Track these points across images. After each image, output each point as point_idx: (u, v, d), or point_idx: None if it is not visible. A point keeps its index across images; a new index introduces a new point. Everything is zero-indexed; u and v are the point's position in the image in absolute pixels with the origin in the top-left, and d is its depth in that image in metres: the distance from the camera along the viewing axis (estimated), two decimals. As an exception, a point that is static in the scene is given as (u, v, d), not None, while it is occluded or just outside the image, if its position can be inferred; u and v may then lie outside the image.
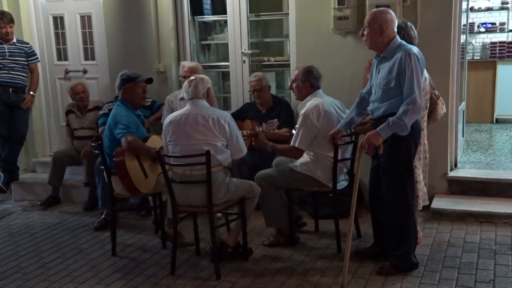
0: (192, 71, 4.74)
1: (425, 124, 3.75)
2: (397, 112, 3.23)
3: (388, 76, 3.29)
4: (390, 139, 3.28)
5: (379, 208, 3.60)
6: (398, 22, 3.65)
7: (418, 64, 3.23)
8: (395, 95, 3.28)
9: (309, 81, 3.90)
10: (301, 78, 3.91)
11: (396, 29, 3.38)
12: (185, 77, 4.57)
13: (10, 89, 5.59)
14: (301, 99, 3.98)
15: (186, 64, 4.95)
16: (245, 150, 3.76)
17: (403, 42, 3.37)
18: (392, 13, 3.38)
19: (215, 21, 5.91)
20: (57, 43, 5.97)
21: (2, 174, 5.72)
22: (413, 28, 3.75)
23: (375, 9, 3.47)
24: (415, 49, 3.31)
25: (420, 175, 3.79)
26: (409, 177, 3.45)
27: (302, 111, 3.84)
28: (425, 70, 3.67)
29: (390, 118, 3.23)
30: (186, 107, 3.74)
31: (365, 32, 3.37)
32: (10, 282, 3.73)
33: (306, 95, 3.94)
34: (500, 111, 7.64)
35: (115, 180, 4.06)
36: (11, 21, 5.55)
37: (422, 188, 3.82)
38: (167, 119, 3.75)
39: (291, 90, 4.15)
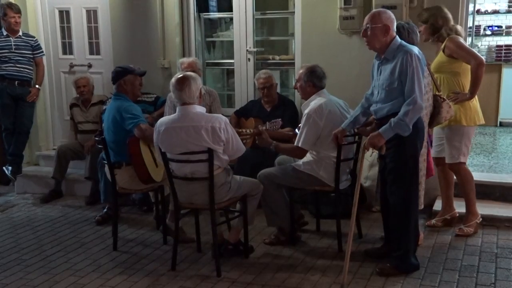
0: (191, 66, 4.71)
1: (425, 126, 3.74)
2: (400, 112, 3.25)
3: (390, 77, 3.31)
4: (395, 138, 3.30)
5: (388, 209, 3.59)
6: (401, 22, 3.67)
7: (419, 64, 3.26)
8: (398, 95, 3.31)
9: (312, 81, 3.90)
10: (304, 78, 3.91)
11: (395, 29, 3.39)
12: None
13: (16, 82, 5.60)
14: (305, 99, 3.98)
15: (185, 60, 4.90)
16: (243, 148, 3.69)
17: (403, 42, 3.38)
18: (392, 13, 3.40)
19: (220, 18, 5.92)
20: (63, 37, 5.97)
21: (10, 167, 5.75)
22: (415, 28, 3.75)
23: (376, 10, 3.48)
24: (415, 49, 3.33)
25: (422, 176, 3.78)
26: (414, 177, 3.45)
27: (306, 111, 3.84)
28: (426, 71, 3.68)
29: (392, 119, 3.25)
30: (177, 116, 3.52)
31: (368, 33, 3.34)
32: (11, 274, 3.74)
33: (310, 94, 3.93)
34: (504, 114, 7.61)
35: (120, 173, 4.08)
36: (18, 11, 5.57)
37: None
38: (160, 126, 3.56)
39: (296, 90, 4.15)
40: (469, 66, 3.96)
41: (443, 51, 3.97)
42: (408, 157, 3.37)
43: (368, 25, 3.34)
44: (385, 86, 3.35)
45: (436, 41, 4.04)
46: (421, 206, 3.85)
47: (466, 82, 4.01)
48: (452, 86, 4.00)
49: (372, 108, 3.53)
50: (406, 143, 3.32)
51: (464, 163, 4.08)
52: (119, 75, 4.15)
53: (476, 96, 4.04)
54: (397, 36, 3.37)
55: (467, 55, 3.91)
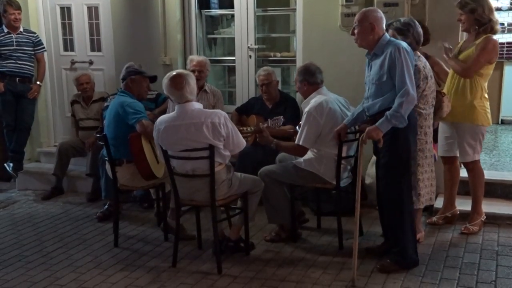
0: (201, 65, 4.76)
1: (431, 121, 3.75)
2: (392, 106, 3.28)
3: (379, 71, 3.36)
4: (388, 133, 3.32)
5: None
6: (406, 19, 3.70)
7: (408, 57, 3.30)
8: (388, 89, 3.34)
9: (305, 79, 3.91)
10: (299, 78, 3.95)
11: (384, 27, 3.44)
12: (193, 72, 4.56)
13: (17, 78, 5.60)
14: (305, 97, 3.99)
15: (195, 58, 4.92)
16: (243, 143, 3.68)
17: (392, 38, 3.43)
18: (381, 11, 3.47)
19: (222, 15, 5.90)
20: (64, 34, 5.97)
21: (11, 163, 5.76)
22: (419, 25, 3.75)
23: (365, 8, 3.56)
24: (403, 43, 3.37)
25: (423, 173, 3.76)
26: (406, 171, 3.47)
27: (306, 109, 3.84)
28: (430, 70, 3.67)
29: (387, 112, 3.29)
30: (177, 114, 3.52)
31: (355, 31, 3.43)
32: (12, 271, 3.75)
33: (308, 93, 3.94)
34: (505, 112, 7.59)
35: (121, 170, 4.08)
36: (18, 7, 5.56)
37: (425, 187, 3.79)
38: (159, 124, 3.57)
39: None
40: (491, 71, 3.94)
41: (476, 47, 3.89)
42: (401, 152, 3.40)
43: (355, 23, 3.44)
44: (375, 80, 3.40)
45: (478, 33, 3.88)
46: (433, 202, 3.87)
47: (484, 84, 3.96)
48: (467, 84, 3.91)
49: (364, 105, 3.56)
50: (399, 138, 3.35)
51: (479, 160, 4.09)
52: (129, 73, 4.23)
53: (487, 98, 4.00)
54: (386, 33, 3.43)
55: (476, 58, 3.81)
